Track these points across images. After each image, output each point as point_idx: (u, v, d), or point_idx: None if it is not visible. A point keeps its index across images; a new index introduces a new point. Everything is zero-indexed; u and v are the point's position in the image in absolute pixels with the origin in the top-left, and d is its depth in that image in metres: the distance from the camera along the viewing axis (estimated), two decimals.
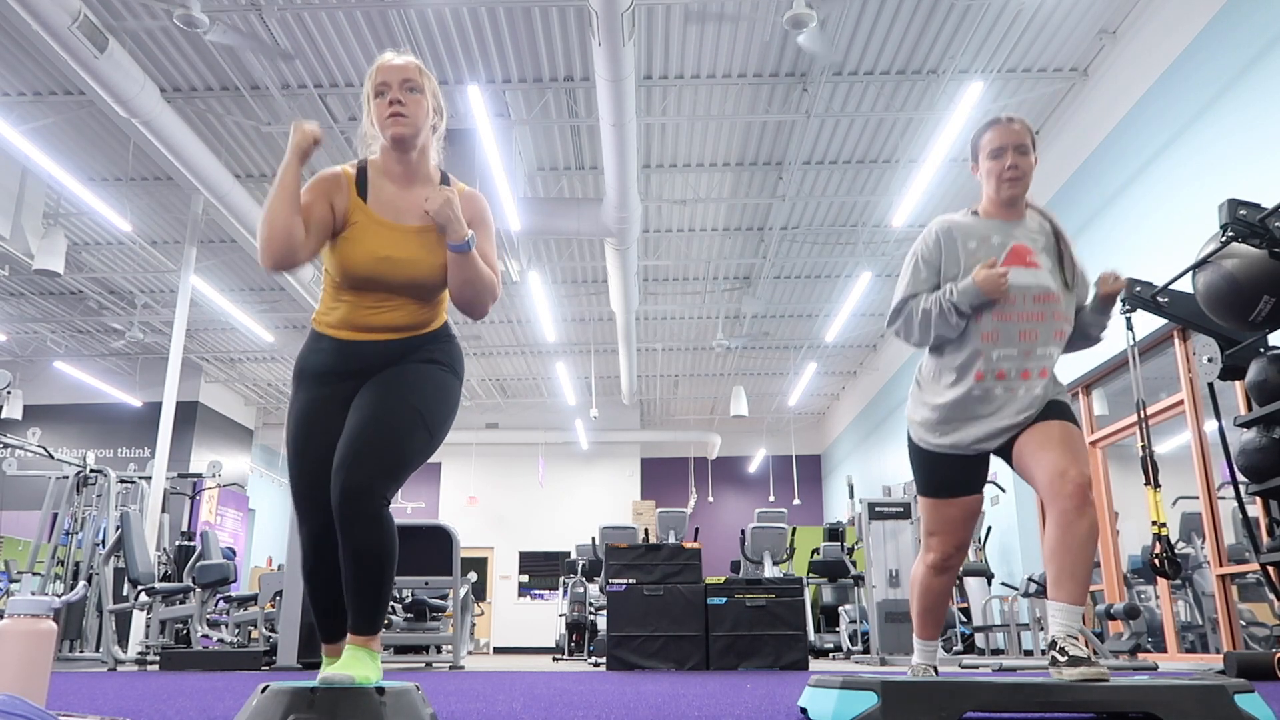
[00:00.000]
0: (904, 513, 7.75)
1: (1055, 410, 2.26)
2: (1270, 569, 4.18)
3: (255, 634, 8.40)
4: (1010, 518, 9.50)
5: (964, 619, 8.78)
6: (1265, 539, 4.28)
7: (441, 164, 2.13)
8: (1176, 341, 6.90)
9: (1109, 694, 1.84)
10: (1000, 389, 2.28)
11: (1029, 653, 8.68)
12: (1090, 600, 8.42)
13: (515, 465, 17.86)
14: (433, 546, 6.89)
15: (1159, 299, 4.86)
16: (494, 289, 2.01)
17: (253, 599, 8.18)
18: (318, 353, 2.03)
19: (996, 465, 9.92)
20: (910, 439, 2.46)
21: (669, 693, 3.23)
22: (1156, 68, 6.89)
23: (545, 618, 16.78)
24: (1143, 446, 4.85)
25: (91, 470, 8.48)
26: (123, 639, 8.09)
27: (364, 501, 1.80)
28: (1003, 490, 9.56)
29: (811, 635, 9.69)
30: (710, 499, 18.86)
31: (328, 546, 2.00)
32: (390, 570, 1.88)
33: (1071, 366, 8.17)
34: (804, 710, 2.14)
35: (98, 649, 8.00)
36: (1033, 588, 7.25)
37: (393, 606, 8.77)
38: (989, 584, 8.88)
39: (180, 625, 8.67)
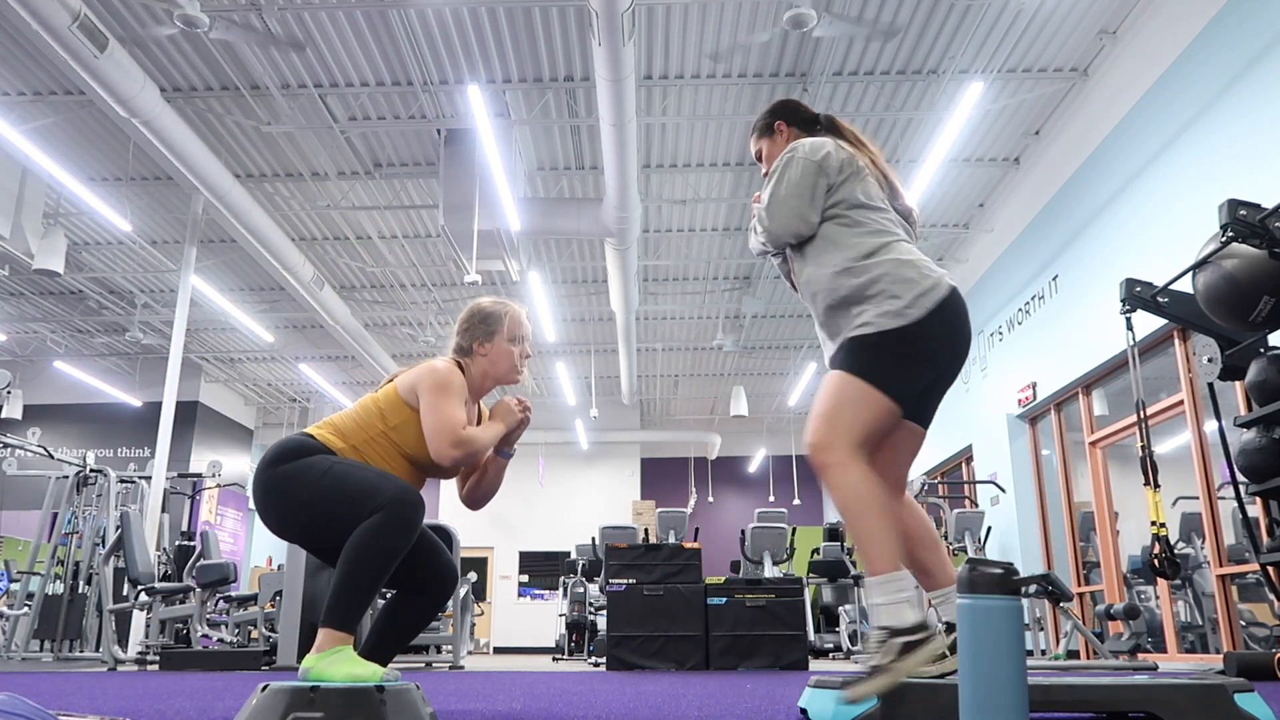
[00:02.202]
0: None
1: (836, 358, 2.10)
2: (1270, 569, 4.18)
3: (255, 634, 8.40)
4: (1010, 518, 9.50)
5: None
6: (1265, 539, 4.28)
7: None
8: (1176, 341, 6.90)
9: (1109, 693, 1.84)
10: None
11: (1029, 653, 8.68)
12: (1091, 600, 8.42)
13: (515, 465, 17.84)
14: None
15: (1159, 299, 4.86)
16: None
17: (253, 599, 8.18)
18: None
19: (997, 466, 9.93)
20: None
21: (669, 693, 3.23)
22: (1156, 68, 6.89)
23: (545, 618, 16.78)
24: (1142, 447, 4.85)
25: (91, 470, 8.48)
26: (123, 639, 8.09)
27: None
28: (1003, 490, 9.56)
29: (811, 635, 9.69)
30: (710, 499, 18.86)
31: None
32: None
33: (1071, 366, 8.18)
34: (804, 710, 2.14)
35: (98, 649, 8.00)
36: (1033, 588, 7.25)
37: None
38: None
39: (180, 625, 8.67)
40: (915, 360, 2.01)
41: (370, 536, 2.03)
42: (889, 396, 1.99)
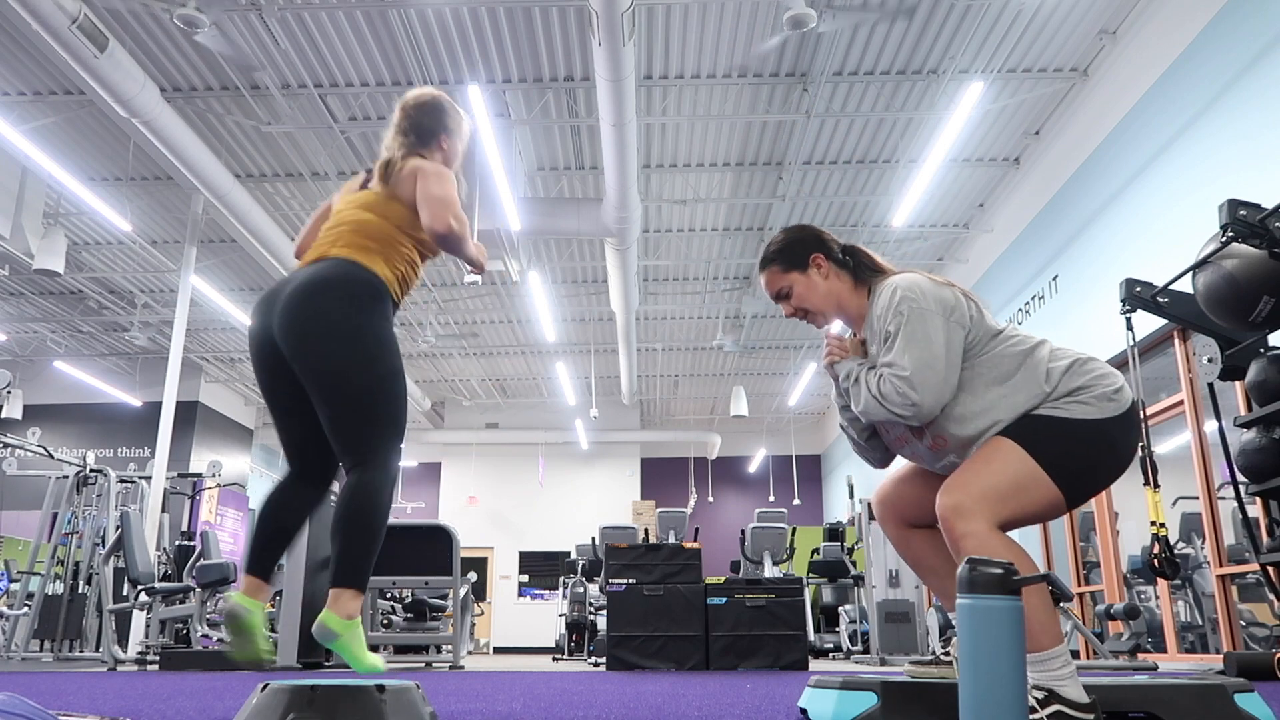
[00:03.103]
0: None
1: None
2: (1270, 569, 4.18)
3: None
4: None
5: None
6: (1265, 539, 4.28)
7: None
8: (1176, 341, 6.90)
9: (1109, 693, 1.84)
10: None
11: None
12: (1091, 600, 8.42)
13: (515, 465, 17.86)
14: (433, 546, 6.89)
15: (1159, 299, 4.86)
16: None
17: None
18: None
19: None
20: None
21: (669, 693, 3.23)
22: (1156, 68, 6.89)
23: (545, 618, 16.77)
24: (1142, 447, 4.85)
25: (91, 470, 8.48)
26: (123, 639, 8.09)
27: None
28: None
29: (811, 635, 9.69)
30: (710, 499, 18.86)
31: None
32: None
33: None
34: (804, 710, 2.14)
35: (98, 649, 8.00)
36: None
37: (392, 606, 8.78)
38: None
39: (180, 625, 8.67)
40: (1110, 456, 1.83)
41: (383, 497, 2.09)
42: (1066, 497, 1.81)
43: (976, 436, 1.88)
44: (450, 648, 8.03)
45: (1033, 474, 1.79)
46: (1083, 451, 1.80)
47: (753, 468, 19.04)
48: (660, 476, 18.85)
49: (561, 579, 12.31)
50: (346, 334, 2.08)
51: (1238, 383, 5.54)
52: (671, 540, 10.95)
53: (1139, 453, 1.88)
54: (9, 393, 8.18)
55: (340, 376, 2.07)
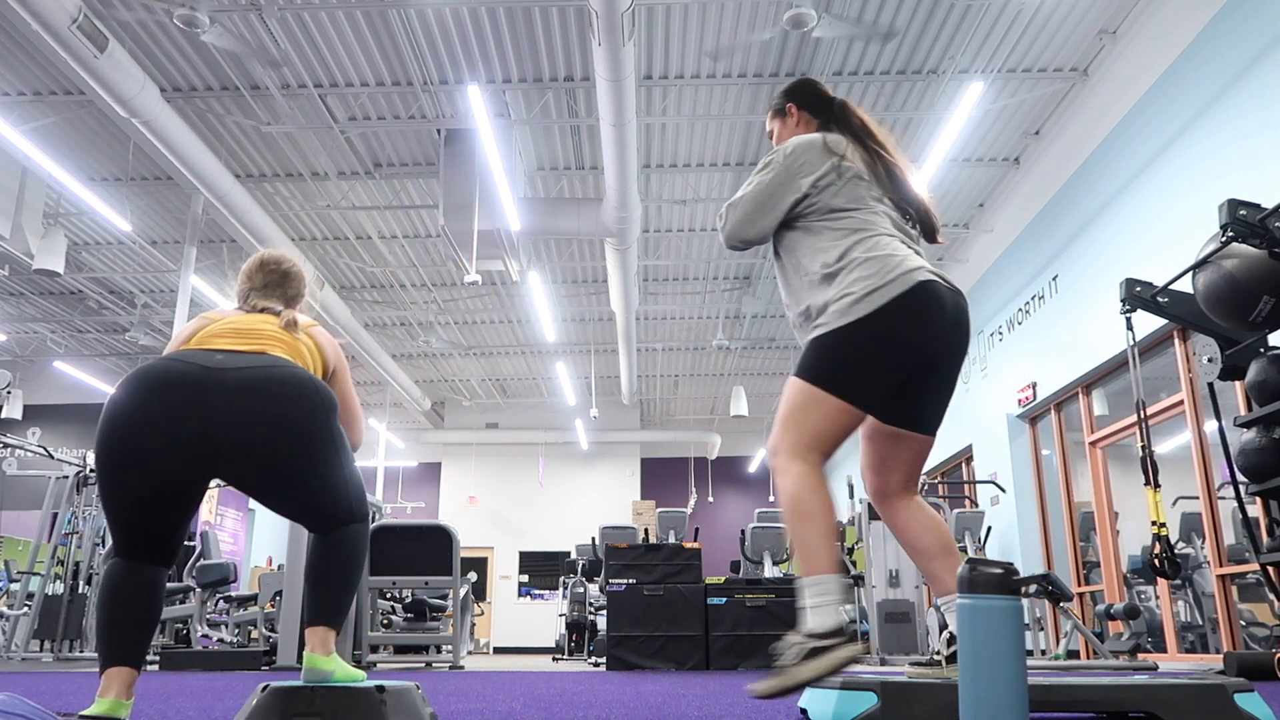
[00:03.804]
0: None
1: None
2: (1270, 569, 4.18)
3: (255, 634, 8.40)
4: (1010, 518, 9.50)
5: None
6: (1265, 539, 4.28)
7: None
8: (1176, 341, 6.90)
9: (1109, 693, 1.84)
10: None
11: (1029, 653, 8.68)
12: (1091, 600, 8.42)
13: (515, 465, 17.86)
14: (433, 546, 6.89)
15: (1159, 299, 4.86)
16: None
17: (253, 599, 8.18)
18: None
19: (997, 466, 9.92)
20: None
21: (669, 693, 3.23)
22: (1156, 68, 6.89)
23: (545, 618, 16.77)
24: (1143, 447, 4.85)
25: (91, 470, 8.48)
26: None
27: None
28: (1003, 490, 9.56)
29: None
30: (710, 499, 18.86)
31: None
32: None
33: (1071, 366, 8.18)
34: (804, 710, 2.14)
35: (97, 649, 7.99)
36: (1033, 588, 7.25)
37: (392, 606, 8.77)
38: None
39: (180, 625, 8.67)
40: (869, 357, 1.91)
41: (363, 544, 2.10)
42: (842, 399, 1.91)
43: (798, 312, 2.07)
44: (450, 648, 8.03)
45: (809, 392, 1.93)
46: (838, 360, 1.92)
47: (753, 468, 19.04)
48: (660, 476, 18.85)
49: (561, 579, 12.31)
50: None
51: (1238, 383, 5.55)
52: (671, 540, 10.95)
53: (923, 332, 1.92)
54: (9, 393, 8.18)
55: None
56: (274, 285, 2.36)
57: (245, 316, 2.21)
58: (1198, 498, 6.63)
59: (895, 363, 1.92)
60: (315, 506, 2.00)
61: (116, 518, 1.89)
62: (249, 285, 2.36)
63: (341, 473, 2.03)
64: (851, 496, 10.92)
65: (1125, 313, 4.91)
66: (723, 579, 6.58)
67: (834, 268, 2.00)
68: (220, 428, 1.86)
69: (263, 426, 1.88)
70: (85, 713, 1.80)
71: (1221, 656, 5.85)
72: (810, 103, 2.29)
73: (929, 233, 2.21)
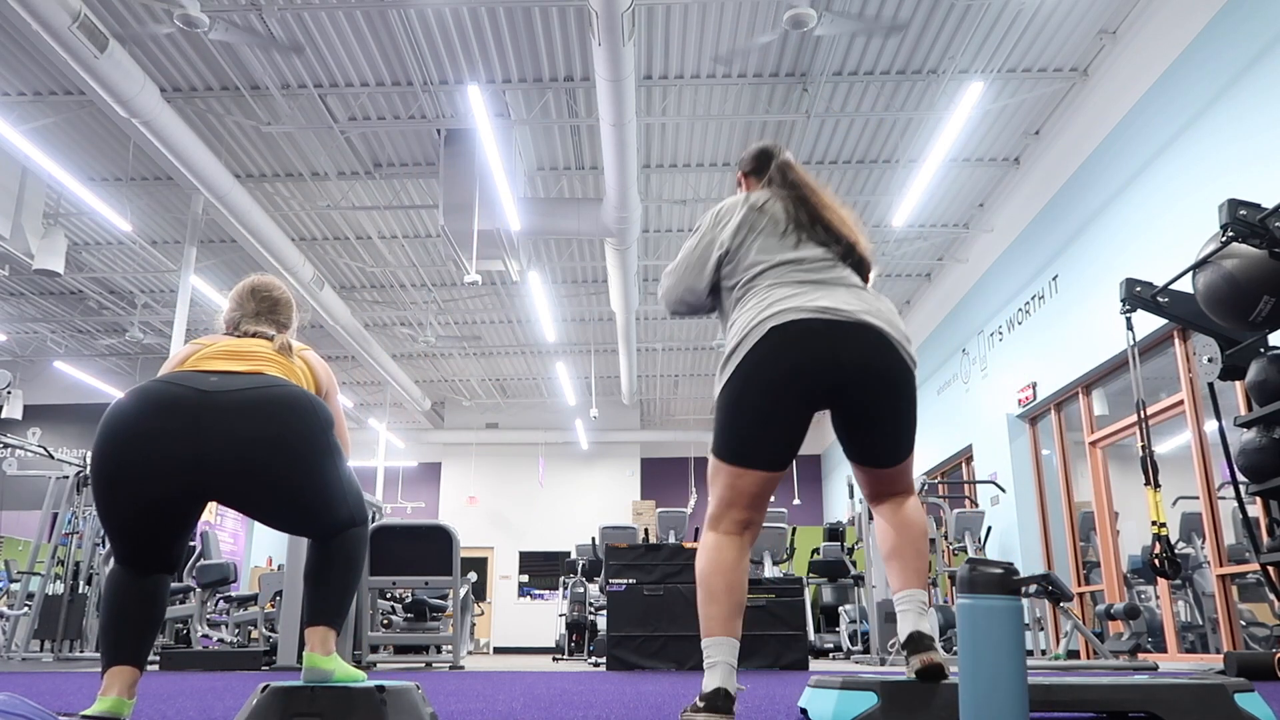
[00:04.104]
0: None
1: None
2: (1270, 569, 4.18)
3: (255, 634, 8.40)
4: (1010, 518, 9.50)
5: None
6: (1265, 539, 4.28)
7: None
8: (1176, 341, 6.90)
9: (1109, 693, 1.84)
10: None
11: (1029, 653, 8.68)
12: (1091, 600, 8.42)
13: (515, 465, 17.86)
14: (433, 546, 6.89)
15: (1159, 299, 4.86)
16: None
17: (253, 599, 8.18)
18: None
19: (997, 466, 9.93)
20: None
21: (669, 693, 3.23)
22: (1156, 68, 6.89)
23: (545, 618, 16.77)
24: (1143, 446, 4.85)
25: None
26: None
27: None
28: (1003, 490, 9.56)
29: (811, 635, 9.69)
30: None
31: None
32: None
33: (1071, 366, 8.18)
34: (804, 710, 2.14)
35: (97, 649, 7.99)
36: (1033, 588, 7.25)
37: (392, 606, 8.77)
38: None
39: (180, 625, 8.67)
40: (733, 415, 1.93)
41: (363, 547, 2.13)
42: (728, 463, 1.95)
43: None
44: (450, 648, 8.03)
45: (710, 462, 2.01)
46: (719, 424, 1.99)
47: None
48: (660, 476, 18.85)
49: (561, 579, 12.31)
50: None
51: (1238, 382, 5.55)
52: (671, 540, 10.95)
53: (782, 372, 1.90)
54: (9, 393, 8.18)
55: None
56: (265, 312, 2.38)
57: (239, 340, 2.23)
58: (1198, 498, 6.63)
59: (759, 411, 1.91)
60: (316, 519, 2.02)
61: (111, 529, 1.92)
62: (240, 312, 2.37)
63: (340, 482, 2.04)
64: (851, 496, 10.93)
65: (1125, 313, 4.91)
66: None
67: (728, 340, 2.06)
68: (215, 451, 1.87)
69: (260, 447, 1.89)
70: (88, 712, 1.80)
71: (1222, 656, 5.85)
72: (755, 168, 2.37)
73: (860, 268, 2.19)
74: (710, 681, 1.87)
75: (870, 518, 8.02)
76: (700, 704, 1.83)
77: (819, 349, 1.91)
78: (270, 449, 1.89)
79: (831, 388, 1.93)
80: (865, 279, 2.19)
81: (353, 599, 2.07)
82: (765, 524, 10.57)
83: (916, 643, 1.89)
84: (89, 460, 1.95)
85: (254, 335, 2.28)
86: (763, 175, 2.34)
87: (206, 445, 1.86)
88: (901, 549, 2.05)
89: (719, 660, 1.88)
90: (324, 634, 1.99)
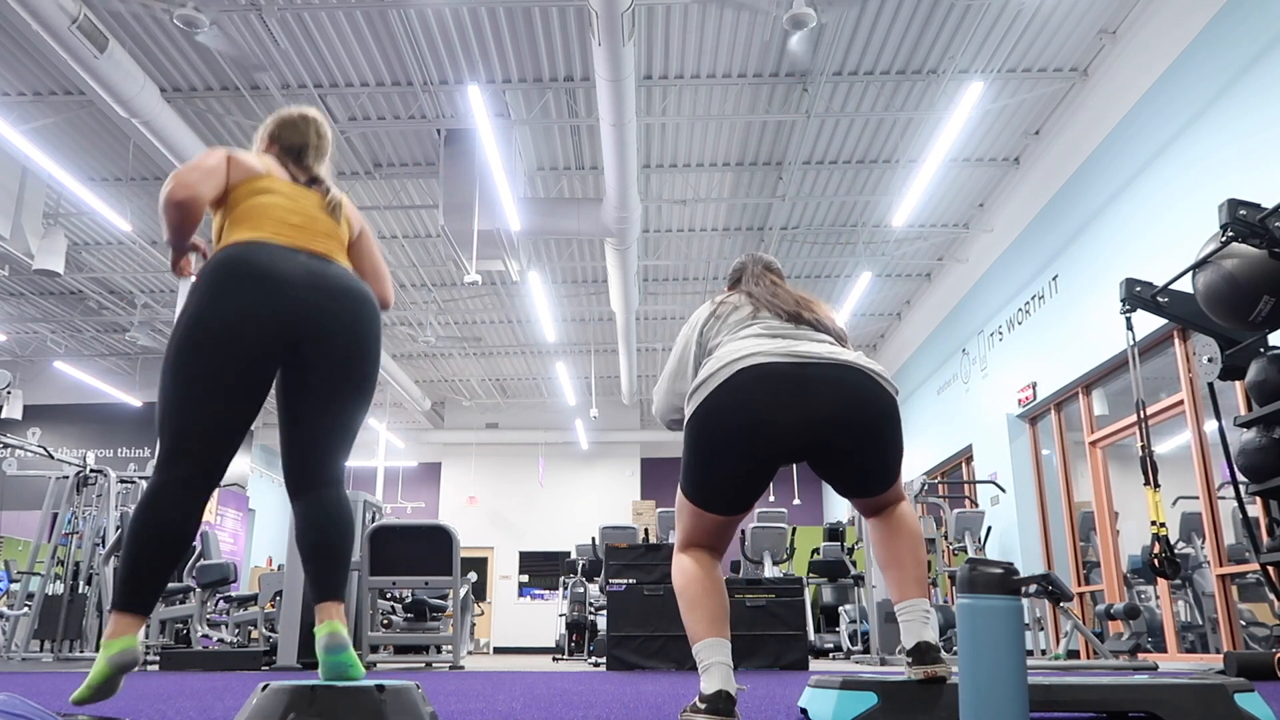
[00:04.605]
0: None
1: None
2: (1270, 569, 4.18)
3: (255, 634, 8.40)
4: (1010, 517, 9.50)
5: None
6: (1265, 539, 4.28)
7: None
8: (1176, 341, 6.90)
9: (1109, 693, 1.84)
10: None
11: (1029, 653, 8.68)
12: (1091, 600, 8.42)
13: (515, 465, 17.86)
14: (433, 546, 6.89)
15: (1159, 299, 4.86)
16: None
17: (253, 599, 8.18)
18: None
19: (997, 466, 9.93)
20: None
21: (669, 693, 3.23)
22: (1156, 68, 6.89)
23: (545, 618, 16.77)
24: (1142, 447, 4.85)
25: (91, 470, 8.48)
26: None
27: None
28: (1003, 490, 9.57)
29: (811, 635, 9.69)
30: None
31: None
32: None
33: (1071, 366, 8.18)
34: (804, 710, 2.14)
35: (98, 649, 7.99)
36: (1033, 588, 7.25)
37: (393, 606, 8.78)
38: None
39: (180, 625, 8.67)
40: (693, 461, 1.97)
41: (351, 509, 2.17)
42: (690, 501, 2.02)
43: None
44: (450, 648, 8.03)
45: (677, 497, 2.08)
46: (683, 463, 2.02)
47: None
48: (660, 476, 18.85)
49: (561, 579, 12.31)
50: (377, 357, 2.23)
51: (1238, 382, 5.55)
52: (671, 540, 10.95)
53: (737, 415, 1.89)
54: (9, 393, 8.18)
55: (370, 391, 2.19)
56: (323, 152, 2.39)
57: (305, 200, 2.23)
58: (1198, 498, 6.63)
59: (715, 457, 1.92)
60: (348, 441, 2.12)
61: (206, 410, 1.95)
62: (302, 141, 2.35)
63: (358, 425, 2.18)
64: None
65: (1125, 313, 4.91)
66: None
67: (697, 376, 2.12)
68: (314, 328, 2.04)
69: (356, 344, 2.10)
70: (110, 654, 1.87)
71: (1221, 656, 5.85)
72: (732, 281, 2.44)
73: (832, 336, 2.16)
74: (709, 684, 1.84)
75: None
76: (701, 706, 1.82)
77: (786, 396, 1.87)
78: (358, 345, 2.11)
79: (806, 443, 1.90)
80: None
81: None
82: (764, 524, 10.59)
83: (923, 653, 1.88)
84: (213, 300, 1.94)
85: (311, 183, 2.29)
86: (739, 285, 2.41)
87: (310, 321, 2.05)
88: (899, 558, 2.04)
89: (714, 661, 1.87)
90: (336, 607, 2.02)
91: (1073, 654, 7.99)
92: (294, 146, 2.32)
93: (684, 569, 2.04)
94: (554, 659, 10.07)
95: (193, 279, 2.07)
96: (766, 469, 1.92)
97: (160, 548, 1.89)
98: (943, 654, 1.91)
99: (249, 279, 2.00)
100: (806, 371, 1.89)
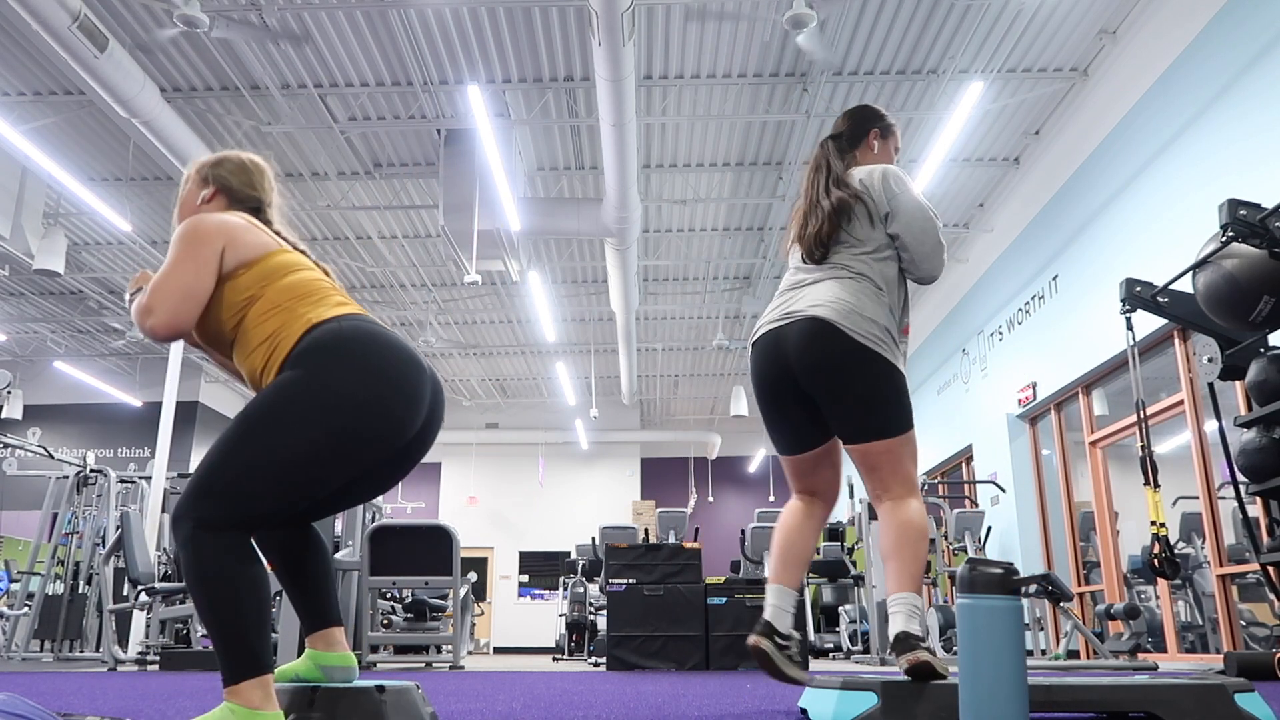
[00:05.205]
0: None
1: None
2: (1270, 569, 4.18)
3: None
4: (1010, 517, 9.50)
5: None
6: (1265, 539, 4.28)
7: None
8: (1176, 341, 6.90)
9: (1109, 693, 1.84)
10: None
11: (1029, 653, 8.68)
12: (1091, 600, 8.42)
13: (515, 465, 17.86)
14: (433, 546, 6.89)
15: (1159, 299, 4.86)
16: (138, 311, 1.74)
17: None
18: None
19: (997, 466, 9.92)
20: (886, 358, 2.19)
21: (669, 693, 3.23)
22: (1156, 68, 6.89)
23: (545, 618, 16.77)
24: (1142, 447, 4.85)
25: (91, 470, 8.48)
26: (123, 639, 8.09)
27: (175, 527, 1.59)
28: (1003, 490, 9.56)
29: (811, 635, 9.69)
30: (710, 499, 18.86)
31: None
32: (206, 603, 1.53)
33: (1071, 366, 8.18)
34: (804, 710, 2.14)
35: (98, 649, 8.00)
36: (1033, 588, 7.25)
37: (392, 606, 8.77)
38: None
39: (180, 625, 8.66)
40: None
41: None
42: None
43: None
44: (450, 648, 8.03)
45: None
46: None
47: (753, 468, 19.04)
48: (660, 476, 18.85)
49: (561, 579, 12.31)
50: None
51: (1238, 382, 5.55)
52: (671, 540, 10.95)
53: (755, 374, 2.36)
54: (9, 393, 8.19)
55: None
56: (275, 206, 2.04)
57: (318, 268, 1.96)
58: (1198, 498, 6.63)
59: (762, 411, 2.39)
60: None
61: (317, 492, 1.63)
62: (259, 197, 2.00)
63: None
64: (852, 496, 10.93)
65: (1125, 313, 4.91)
66: (723, 579, 6.57)
67: None
68: (434, 418, 1.86)
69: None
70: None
71: (1221, 656, 5.85)
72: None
73: (814, 244, 2.34)
74: (762, 615, 2.25)
75: (871, 517, 8.02)
76: (755, 630, 2.22)
77: (774, 354, 2.27)
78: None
79: (794, 384, 2.26)
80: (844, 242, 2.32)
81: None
82: (765, 524, 10.60)
83: (903, 643, 1.98)
84: (366, 407, 1.59)
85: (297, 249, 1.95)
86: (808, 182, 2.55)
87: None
88: (897, 551, 2.16)
89: (768, 603, 2.27)
90: (341, 631, 1.96)
91: (1073, 654, 7.99)
92: (251, 200, 1.99)
93: (781, 515, 2.38)
94: (554, 659, 10.07)
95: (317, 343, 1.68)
96: (789, 414, 2.31)
97: (263, 594, 1.60)
98: (926, 642, 1.96)
99: (413, 365, 1.72)
100: (781, 331, 2.26)
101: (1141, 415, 4.91)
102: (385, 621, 8.52)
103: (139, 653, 7.01)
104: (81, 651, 7.96)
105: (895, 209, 2.27)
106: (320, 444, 1.60)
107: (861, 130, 2.50)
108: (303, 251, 1.94)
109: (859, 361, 2.13)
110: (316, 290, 1.80)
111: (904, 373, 2.23)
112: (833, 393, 2.16)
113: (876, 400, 2.14)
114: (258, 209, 1.98)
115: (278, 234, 1.95)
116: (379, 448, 1.66)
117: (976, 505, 10.51)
